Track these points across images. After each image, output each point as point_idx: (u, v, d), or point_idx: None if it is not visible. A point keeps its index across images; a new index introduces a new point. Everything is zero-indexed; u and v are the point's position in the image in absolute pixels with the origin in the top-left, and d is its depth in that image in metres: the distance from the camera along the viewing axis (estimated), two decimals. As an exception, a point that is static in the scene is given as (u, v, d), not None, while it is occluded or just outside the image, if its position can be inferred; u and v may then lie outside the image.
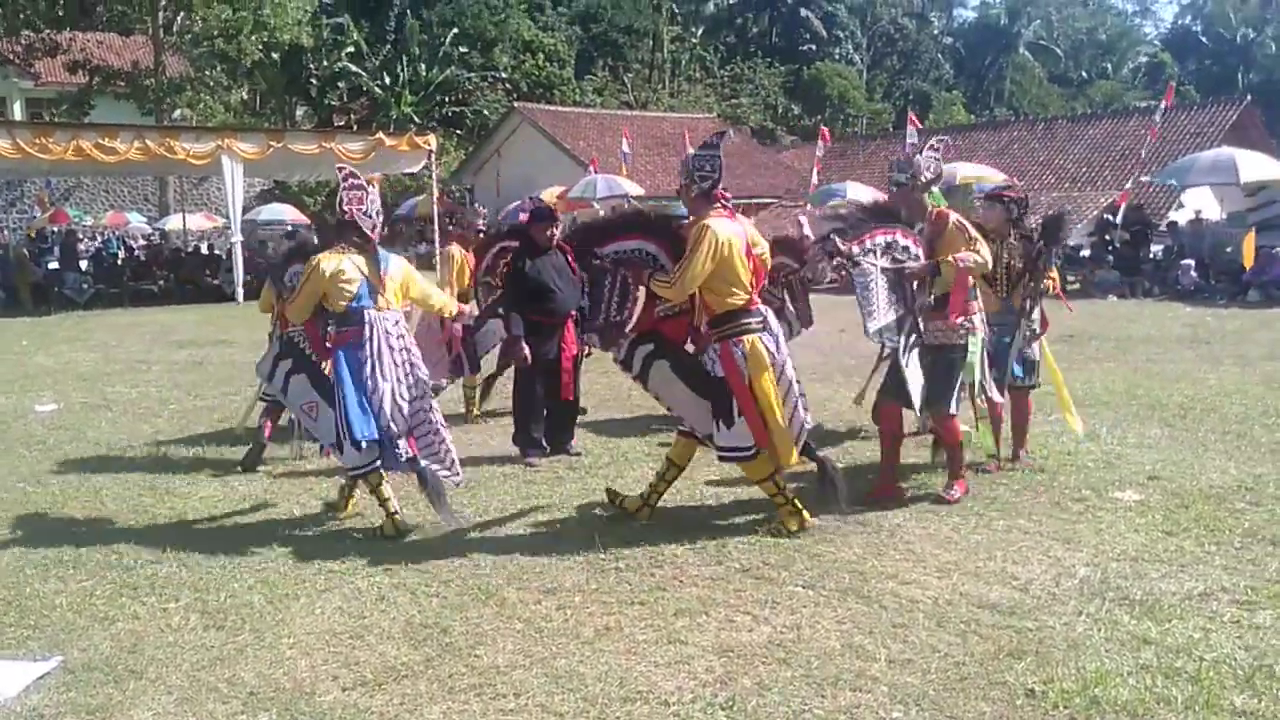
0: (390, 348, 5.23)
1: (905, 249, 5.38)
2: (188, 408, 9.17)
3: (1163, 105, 20.53)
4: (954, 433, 5.68)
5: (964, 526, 5.21)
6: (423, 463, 5.32)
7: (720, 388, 5.03)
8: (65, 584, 4.70)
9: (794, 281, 6.50)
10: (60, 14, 29.02)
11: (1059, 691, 3.43)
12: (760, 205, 27.67)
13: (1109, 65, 66.98)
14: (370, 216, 5.23)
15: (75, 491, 6.35)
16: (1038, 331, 6.27)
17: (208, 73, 30.45)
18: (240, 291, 20.57)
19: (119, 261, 25.97)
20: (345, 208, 5.23)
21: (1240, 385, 8.94)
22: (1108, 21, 70.20)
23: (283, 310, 5.96)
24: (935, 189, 5.62)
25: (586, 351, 7.43)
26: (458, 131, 41.97)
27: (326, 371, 5.44)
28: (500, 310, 6.69)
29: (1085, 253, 20.61)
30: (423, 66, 41.84)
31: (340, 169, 5.48)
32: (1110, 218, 20.30)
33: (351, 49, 40.79)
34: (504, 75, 43.64)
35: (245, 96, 38.12)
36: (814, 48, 56.01)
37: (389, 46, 42.38)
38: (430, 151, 22.79)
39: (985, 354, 5.63)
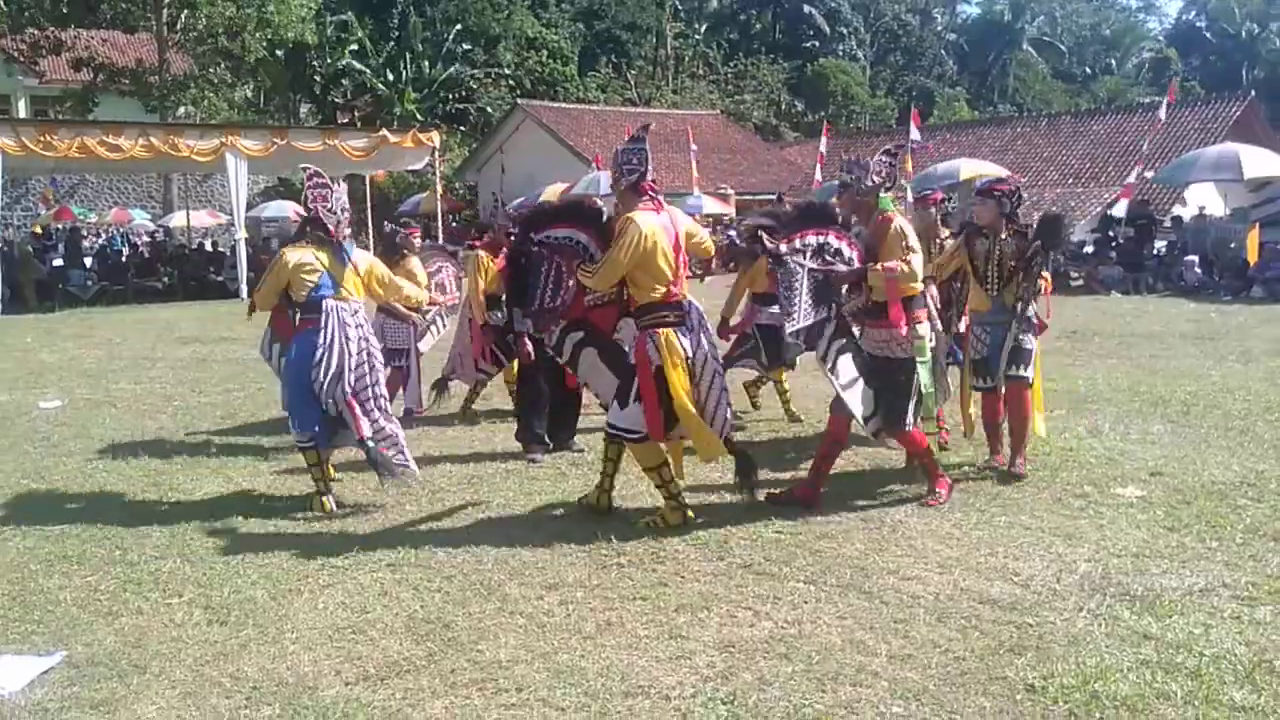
0: (347, 337, 5.54)
1: (838, 252, 5.32)
2: (192, 404, 9.20)
3: (1165, 102, 20.46)
4: (916, 443, 5.57)
5: (965, 522, 5.22)
6: (370, 444, 5.58)
7: (631, 372, 5.16)
8: (69, 579, 4.72)
9: None
10: (65, 11, 28.97)
11: (1059, 687, 3.44)
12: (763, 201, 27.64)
13: (1113, 61, 66.82)
14: (334, 213, 5.58)
15: (79, 487, 6.37)
16: (1033, 323, 6.02)
17: (212, 70, 30.45)
18: (244, 288, 20.58)
19: (123, 258, 25.99)
20: (310, 205, 5.63)
21: (1243, 381, 8.94)
22: (1111, 17, 70.04)
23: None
24: (884, 195, 5.43)
25: None
26: (461, 128, 42.02)
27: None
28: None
29: (1089, 248, 20.59)
30: (426, 63, 41.87)
31: (305, 168, 5.83)
32: (1113, 213, 20.27)
33: (355, 46, 40.84)
34: (507, 72, 43.67)
35: (249, 94, 38.17)
36: (817, 44, 55.95)
37: (393, 44, 42.40)
38: (433, 148, 22.84)
39: (943, 362, 5.59)
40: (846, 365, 5.37)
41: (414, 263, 7.81)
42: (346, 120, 40.77)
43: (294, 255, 5.58)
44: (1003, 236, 5.89)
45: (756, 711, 3.36)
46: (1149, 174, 21.88)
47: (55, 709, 3.50)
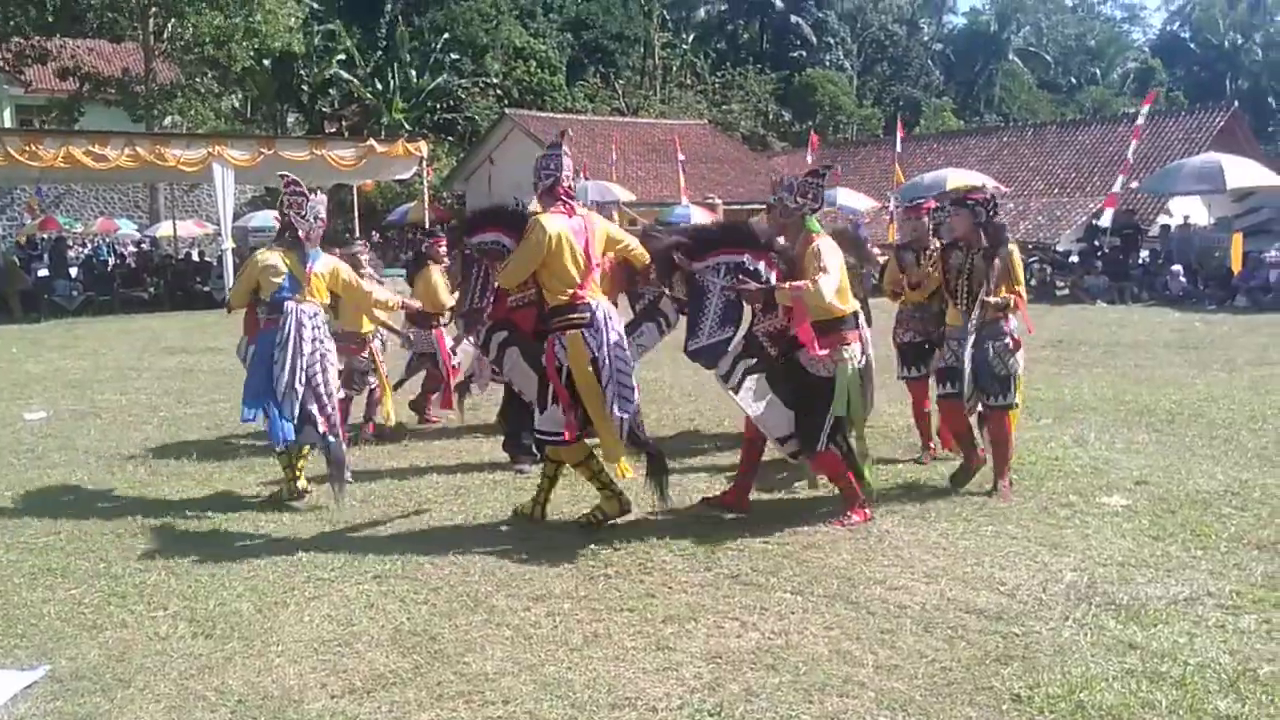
0: (301, 337, 5.85)
1: (755, 272, 5.31)
2: (177, 415, 9.16)
3: (1144, 108, 20.63)
4: (831, 466, 5.45)
5: (952, 532, 5.23)
6: (332, 440, 5.91)
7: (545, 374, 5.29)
8: (53, 592, 4.69)
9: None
10: (51, 20, 28.87)
11: (1045, 696, 3.45)
12: (751, 211, 27.69)
13: (1098, 71, 67.32)
14: (306, 220, 5.94)
15: (64, 499, 6.33)
16: (1009, 345, 5.70)
17: (198, 79, 30.36)
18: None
19: (109, 268, 25.89)
20: (285, 211, 6.00)
21: (1227, 390, 8.99)
22: (1096, 28, 70.57)
23: None
24: (812, 219, 5.37)
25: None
26: (449, 138, 42.01)
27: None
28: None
29: (1074, 258, 20.71)
30: (414, 73, 41.88)
31: (283, 176, 6.14)
32: (1098, 223, 20.40)
33: (343, 56, 40.81)
34: (495, 82, 43.68)
35: (236, 103, 38.10)
36: (804, 54, 56.18)
37: (380, 53, 42.40)
38: (422, 158, 22.81)
39: (867, 384, 5.46)
40: (754, 386, 5.32)
41: (434, 272, 7.92)
42: (334, 130, 40.71)
43: (263, 257, 5.99)
44: (976, 250, 5.73)
45: (743, 723, 3.36)
46: (1134, 184, 22.03)
47: (38, 724, 3.48)
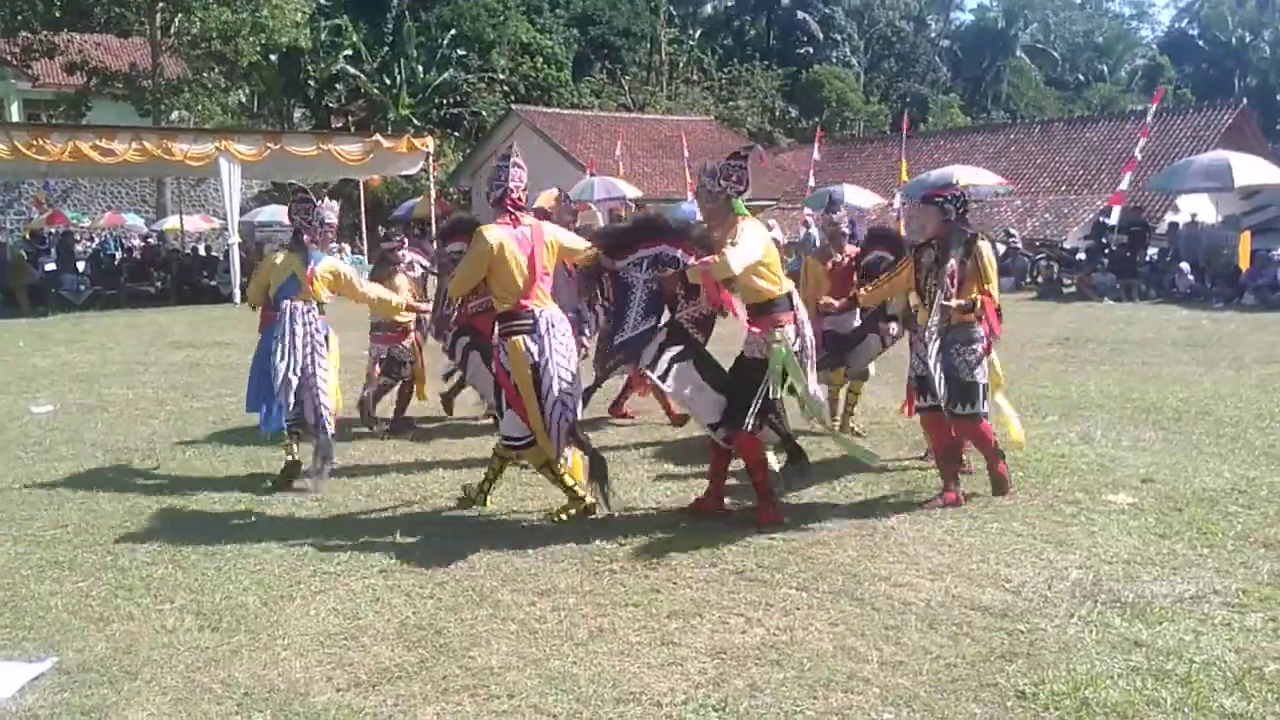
0: (294, 333, 6.23)
1: (674, 260, 5.31)
2: (184, 409, 9.18)
3: (1153, 106, 20.54)
4: (750, 450, 5.38)
5: (957, 529, 5.23)
6: (318, 429, 6.32)
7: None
8: (61, 585, 4.71)
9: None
10: (58, 15, 28.88)
11: (1050, 693, 3.45)
12: (759, 207, 27.69)
13: (1106, 68, 67.12)
14: (312, 226, 6.40)
15: (71, 493, 6.35)
16: (978, 351, 5.50)
17: (205, 74, 30.37)
18: (237, 293, 20.56)
19: (116, 263, 25.96)
20: (293, 218, 6.50)
21: (1235, 388, 8.97)
22: (1104, 25, 70.34)
23: None
24: (738, 201, 5.32)
25: (583, 354, 7.45)
26: (455, 133, 42.02)
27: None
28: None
29: (1081, 255, 20.67)
30: (421, 68, 41.87)
31: (293, 186, 6.71)
32: (1106, 220, 20.34)
33: (349, 51, 40.79)
34: (502, 77, 43.69)
35: (243, 98, 38.11)
36: (811, 50, 56.09)
37: (387, 48, 42.39)
38: (428, 153, 22.85)
39: (807, 368, 5.34)
40: (682, 374, 5.33)
41: (398, 276, 7.96)
42: (341, 125, 40.74)
43: (273, 258, 6.56)
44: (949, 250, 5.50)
45: (748, 718, 3.37)
46: (1139, 184, 21.96)
47: (46, 715, 3.50)
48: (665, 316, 5.43)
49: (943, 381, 5.53)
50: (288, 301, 6.28)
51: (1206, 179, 19.03)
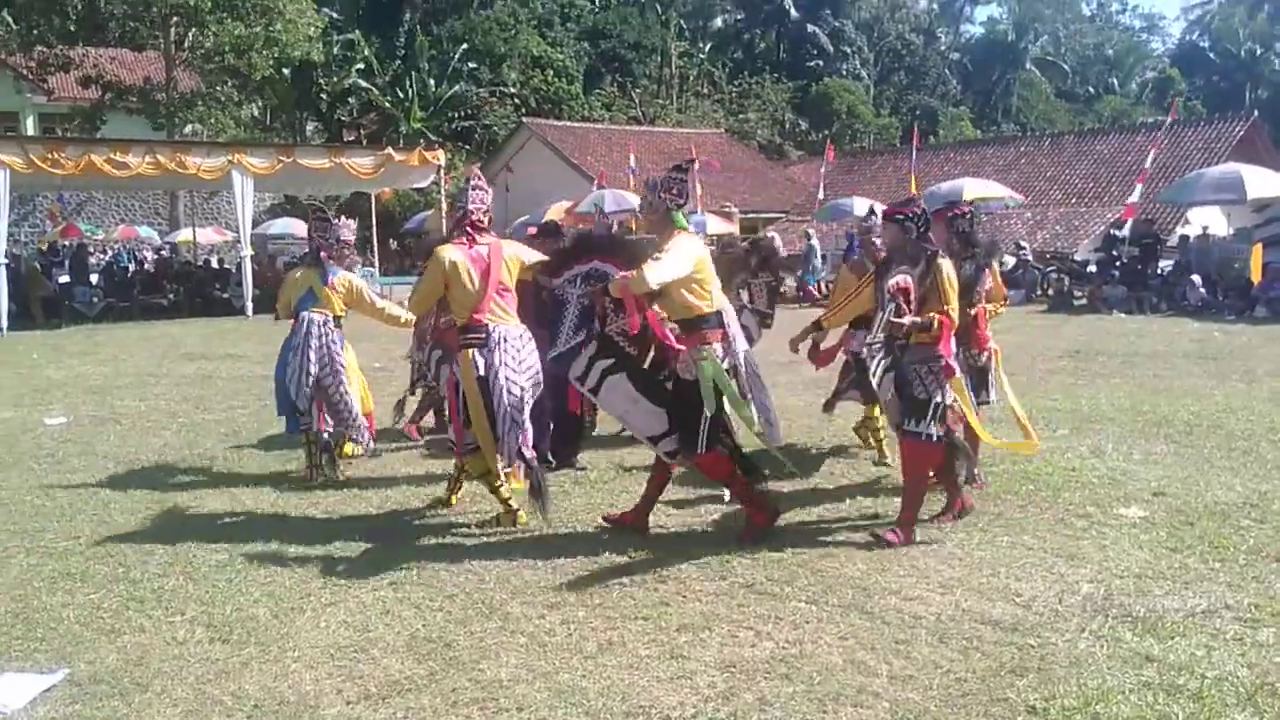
0: (309, 345, 6.70)
1: (604, 275, 5.31)
2: (196, 421, 9.22)
3: (1168, 120, 20.46)
4: (715, 468, 5.39)
5: (968, 543, 5.22)
6: (326, 435, 6.88)
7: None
8: (72, 596, 4.73)
9: (753, 287, 6.81)
10: (73, 30, 29.15)
11: (1060, 708, 3.44)
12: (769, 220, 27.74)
13: (1116, 81, 67.07)
14: (329, 243, 6.90)
15: (83, 504, 6.38)
16: (938, 372, 5.21)
17: (219, 88, 30.59)
18: (250, 305, 20.65)
19: (129, 275, 26.10)
20: (312, 235, 7.07)
21: (1247, 402, 8.93)
22: (1115, 37, 70.33)
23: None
24: (679, 214, 5.29)
25: None
26: (466, 146, 42.15)
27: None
28: None
29: (1092, 268, 20.61)
30: (432, 82, 42.07)
31: (312, 204, 7.18)
32: (1116, 232, 20.30)
33: (362, 65, 41.03)
34: (513, 90, 43.85)
35: (256, 112, 38.33)
36: (821, 63, 56.16)
37: (399, 62, 42.63)
38: (439, 166, 22.93)
39: (743, 385, 5.27)
40: (615, 387, 5.33)
41: None
42: (352, 138, 40.94)
43: (294, 274, 7.16)
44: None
45: (757, 732, 3.36)
46: (1151, 197, 21.88)
47: (57, 727, 3.51)
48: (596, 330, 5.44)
49: (893, 398, 5.39)
50: (305, 313, 6.77)
51: (1219, 191, 18.97)
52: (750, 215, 29.20)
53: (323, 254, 6.89)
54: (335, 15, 39.63)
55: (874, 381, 5.46)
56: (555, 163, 32.95)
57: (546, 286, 5.53)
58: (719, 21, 57.71)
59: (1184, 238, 21.18)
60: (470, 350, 5.49)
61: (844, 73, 56.35)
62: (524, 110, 41.83)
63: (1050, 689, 3.57)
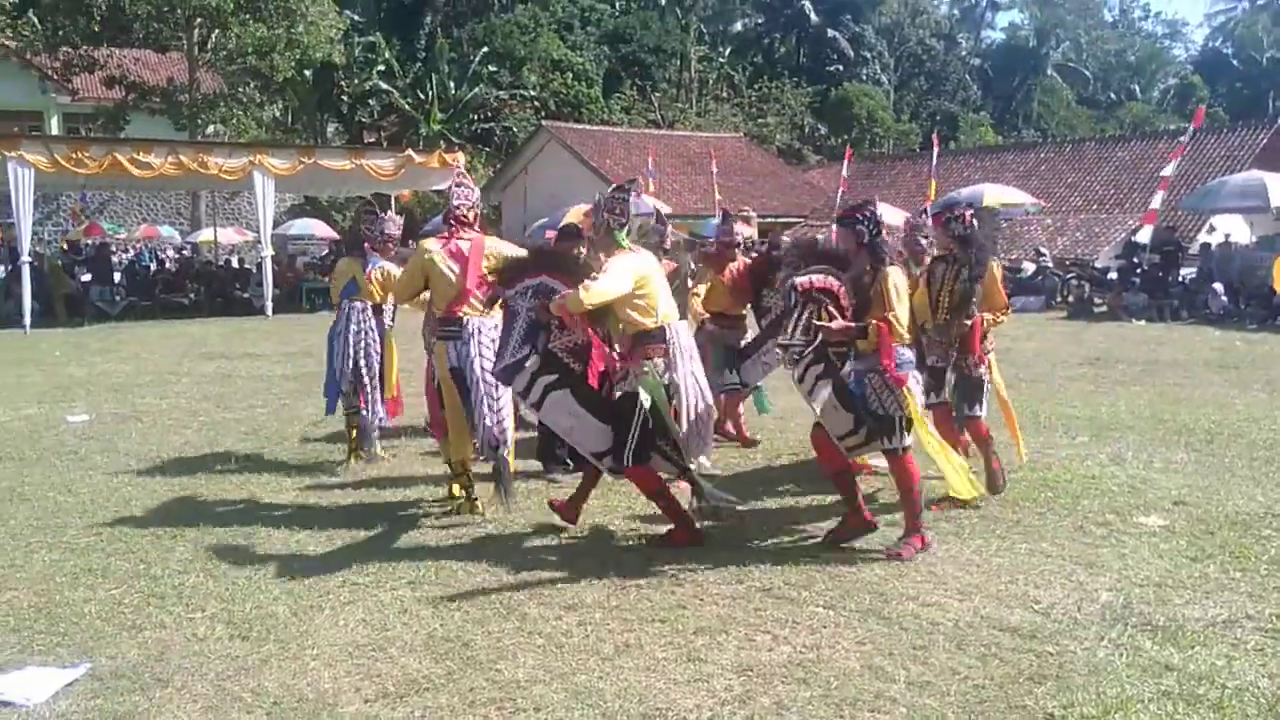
0: (349, 330, 7.14)
1: (551, 291, 5.31)
2: (216, 420, 9.28)
3: (1191, 128, 20.23)
4: (643, 483, 5.38)
5: (986, 549, 5.20)
6: (365, 412, 7.25)
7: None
8: (94, 592, 4.77)
9: None
10: (98, 31, 29.42)
11: (1079, 717, 3.42)
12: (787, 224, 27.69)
13: (1138, 87, 66.68)
14: (374, 234, 7.18)
15: (105, 501, 6.44)
16: (885, 380, 5.02)
17: (241, 89, 30.81)
18: (270, 305, 20.77)
19: (151, 274, 26.30)
20: (359, 225, 7.54)
21: (1269, 411, 8.86)
22: (1137, 44, 69.90)
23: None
24: (620, 233, 5.29)
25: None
26: (486, 149, 42.30)
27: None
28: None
29: (1112, 275, 20.50)
30: (452, 84, 42.24)
31: (364, 200, 7.40)
32: (1137, 239, 20.17)
33: (382, 67, 41.25)
34: (532, 94, 43.97)
35: (277, 113, 38.56)
36: (841, 68, 56.09)
37: (419, 65, 42.83)
38: (458, 169, 22.98)
39: (679, 405, 5.22)
40: (558, 403, 5.37)
41: None
42: (373, 140, 41.13)
43: (340, 265, 7.65)
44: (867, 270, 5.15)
45: (774, 736, 3.36)
46: (1173, 204, 21.70)
47: (79, 721, 3.54)
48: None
49: (835, 409, 5.20)
50: (346, 301, 7.20)
51: (1242, 199, 18.84)
52: (768, 219, 29.13)
53: (366, 245, 7.24)
54: (357, 17, 39.90)
55: (803, 390, 5.36)
56: (574, 166, 32.99)
57: (501, 296, 5.56)
58: (739, 26, 57.72)
59: (1205, 245, 21.04)
60: (446, 343, 5.80)
61: (864, 78, 56.27)
62: (543, 113, 41.92)
63: (1069, 697, 3.56)
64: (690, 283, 7.63)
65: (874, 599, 4.52)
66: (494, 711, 3.56)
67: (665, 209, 23.77)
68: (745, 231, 8.02)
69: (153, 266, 28.52)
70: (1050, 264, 22.28)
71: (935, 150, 21.26)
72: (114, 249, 29.67)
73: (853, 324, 5.05)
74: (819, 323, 5.07)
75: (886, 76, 58.42)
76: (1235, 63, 65.48)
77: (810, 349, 5.13)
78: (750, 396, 7.98)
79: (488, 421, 5.67)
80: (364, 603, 4.58)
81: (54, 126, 35.63)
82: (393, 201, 26.21)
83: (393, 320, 7.52)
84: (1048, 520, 5.69)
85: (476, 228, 5.98)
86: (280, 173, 20.78)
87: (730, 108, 49.61)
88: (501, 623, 4.32)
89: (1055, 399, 9.51)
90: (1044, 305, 20.65)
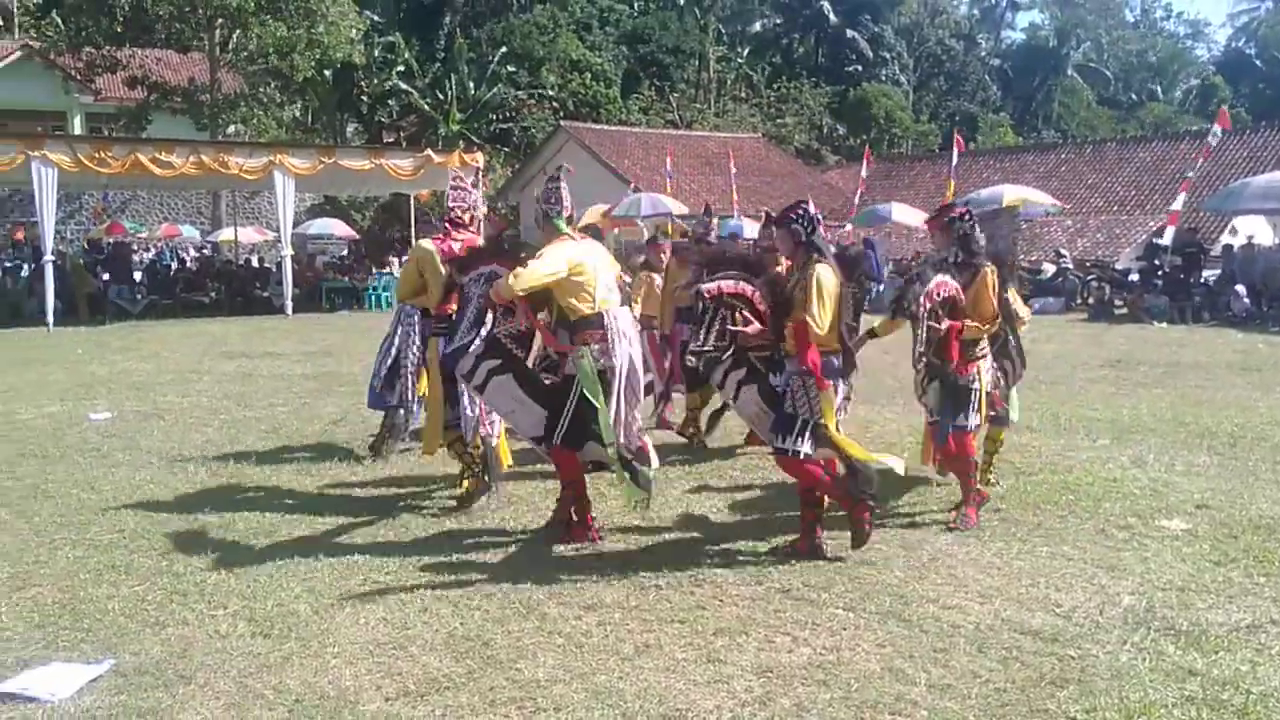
0: (395, 331, 7.11)
1: (497, 277, 5.34)
2: (237, 418, 9.33)
3: (1217, 128, 19.95)
4: (564, 467, 5.44)
5: (1007, 552, 5.18)
6: (399, 409, 7.34)
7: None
8: (117, 589, 4.81)
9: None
10: (120, 31, 29.61)
11: (1102, 721, 3.40)
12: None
13: (1159, 88, 66.18)
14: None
15: (127, 499, 6.48)
16: (805, 385, 4.95)
17: (261, 89, 30.95)
18: (289, 305, 20.86)
19: (171, 273, 26.47)
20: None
21: (1292, 414, 8.79)
22: (1159, 44, 69.39)
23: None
24: (559, 220, 5.35)
25: None
26: (504, 148, 42.37)
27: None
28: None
29: (1134, 276, 20.37)
30: (471, 85, 42.31)
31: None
32: (1159, 241, 20.04)
33: (402, 67, 41.39)
34: (551, 94, 44.02)
35: (298, 113, 38.74)
36: (860, 69, 55.89)
37: (438, 65, 42.94)
38: (477, 169, 23.05)
39: (615, 390, 5.22)
40: (500, 388, 5.43)
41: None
42: (392, 140, 41.28)
43: (406, 264, 7.55)
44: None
45: (794, 738, 3.36)
46: (1195, 205, 21.52)
47: (103, 716, 3.57)
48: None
49: (759, 410, 5.21)
50: (398, 304, 7.31)
51: (1265, 200, 18.67)
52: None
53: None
54: (376, 18, 39.99)
55: (725, 395, 5.45)
56: (593, 166, 32.98)
57: (458, 282, 5.66)
58: (758, 26, 57.56)
59: (1228, 247, 20.87)
60: (438, 338, 6.10)
61: (883, 78, 56.04)
62: (562, 113, 41.96)
63: (1091, 701, 3.54)
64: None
65: (894, 601, 4.51)
66: (514, 710, 3.57)
67: (683, 209, 23.76)
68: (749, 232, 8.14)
69: (173, 265, 28.70)
70: (1071, 265, 22.15)
71: (956, 151, 21.15)
72: (135, 248, 29.88)
73: (765, 328, 5.09)
74: (732, 327, 5.15)
75: (905, 77, 58.19)
76: (1258, 63, 64.88)
77: (727, 355, 5.25)
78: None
79: (471, 412, 6.06)
80: (385, 601, 4.60)
81: (77, 126, 35.87)
82: (411, 201, 26.39)
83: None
84: (1069, 523, 5.66)
85: (473, 229, 6.26)
86: (300, 172, 20.89)
87: (748, 108, 49.51)
88: (521, 622, 4.33)
89: (1076, 401, 9.46)
90: (1064, 307, 20.54)
